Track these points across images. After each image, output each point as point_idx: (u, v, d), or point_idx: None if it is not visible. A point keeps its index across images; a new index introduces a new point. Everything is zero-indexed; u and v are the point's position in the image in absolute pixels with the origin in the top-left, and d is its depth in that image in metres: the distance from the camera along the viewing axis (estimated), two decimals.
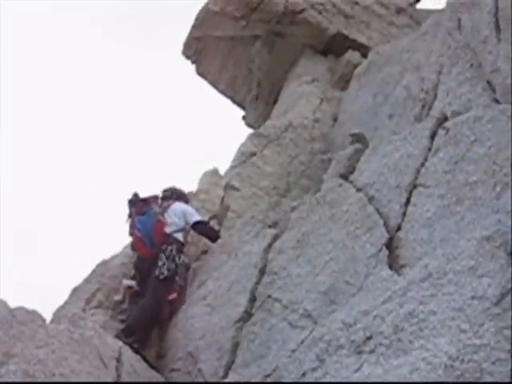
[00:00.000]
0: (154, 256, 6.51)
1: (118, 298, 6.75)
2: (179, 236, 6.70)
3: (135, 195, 7.00)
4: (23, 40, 34.55)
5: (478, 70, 4.45)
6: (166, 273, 6.36)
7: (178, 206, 6.92)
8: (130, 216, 6.97)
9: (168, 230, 6.69)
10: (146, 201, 6.93)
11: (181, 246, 6.64)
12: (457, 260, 3.36)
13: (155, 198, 7.02)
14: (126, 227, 6.95)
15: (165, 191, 7.13)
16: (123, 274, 6.95)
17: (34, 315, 4.58)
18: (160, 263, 6.40)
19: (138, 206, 6.89)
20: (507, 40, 4.13)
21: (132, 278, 6.75)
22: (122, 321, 6.47)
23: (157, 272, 6.37)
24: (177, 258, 6.48)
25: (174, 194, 7.05)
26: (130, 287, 6.63)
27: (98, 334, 5.23)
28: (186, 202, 7.08)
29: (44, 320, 4.73)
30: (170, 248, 6.50)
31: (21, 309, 4.54)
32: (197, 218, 6.82)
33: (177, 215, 6.80)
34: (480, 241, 3.33)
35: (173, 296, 6.32)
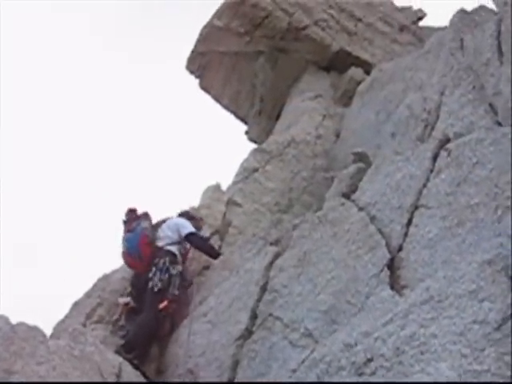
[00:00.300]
0: (148, 269, 6.53)
1: (115, 317, 6.76)
2: (173, 248, 6.70)
3: (129, 211, 7.00)
4: (24, 49, 34.71)
5: (481, 92, 4.48)
6: (159, 284, 6.38)
7: (172, 221, 6.98)
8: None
9: (160, 243, 6.71)
10: (136, 216, 6.94)
11: (174, 258, 6.64)
12: (458, 283, 3.37)
13: (146, 214, 7.01)
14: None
15: (179, 213, 7.20)
16: (124, 288, 6.96)
17: (35, 331, 4.58)
18: (151, 275, 6.42)
19: (129, 222, 6.91)
20: (509, 63, 4.15)
21: (128, 295, 6.75)
22: (123, 336, 6.47)
23: (150, 284, 6.39)
24: (171, 269, 6.50)
25: (184, 216, 7.09)
26: (126, 304, 6.63)
27: (99, 350, 5.23)
28: (197, 227, 7.04)
29: (45, 336, 4.73)
30: (162, 261, 6.52)
31: (22, 324, 4.54)
32: (189, 229, 6.78)
33: (170, 229, 6.83)
34: (481, 264, 3.33)
35: (163, 304, 6.30)
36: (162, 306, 6.30)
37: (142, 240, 6.69)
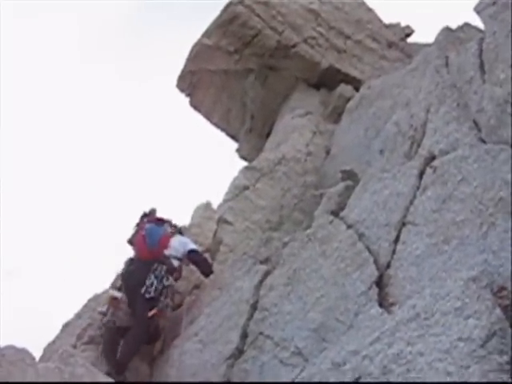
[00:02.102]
0: (149, 258, 6.56)
1: (101, 309, 6.72)
2: (174, 262, 6.77)
3: (153, 210, 7.19)
4: (24, 76, 34.75)
5: (465, 110, 4.52)
6: (152, 293, 6.38)
7: (182, 237, 7.17)
8: (137, 225, 7.08)
9: (167, 252, 6.77)
10: (161, 220, 7.07)
11: (173, 269, 6.71)
12: (444, 300, 3.38)
13: (170, 222, 7.17)
14: (120, 255, 7.01)
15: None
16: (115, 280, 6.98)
17: (23, 354, 4.53)
18: (148, 283, 6.43)
19: (152, 218, 7.03)
20: (491, 81, 4.21)
21: (119, 289, 6.72)
22: (100, 336, 6.46)
23: (143, 290, 6.39)
24: (165, 279, 6.53)
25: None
26: (115, 298, 6.59)
27: (89, 372, 5.18)
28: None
29: (34, 359, 4.68)
30: (159, 268, 6.55)
31: (11, 348, 4.49)
32: (193, 246, 7.00)
33: (180, 243, 6.96)
34: (466, 281, 3.35)
35: (153, 312, 6.31)
36: (150, 313, 6.30)
37: (163, 241, 6.76)
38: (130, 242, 7.04)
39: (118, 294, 6.60)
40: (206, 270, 6.87)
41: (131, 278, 6.61)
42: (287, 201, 8.12)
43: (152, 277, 6.46)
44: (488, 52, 4.38)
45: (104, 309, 6.66)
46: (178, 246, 6.89)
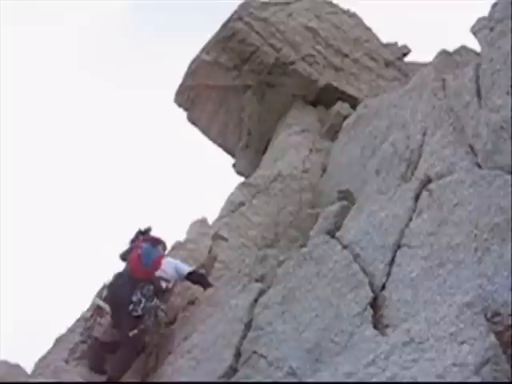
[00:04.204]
0: (141, 277, 6.53)
1: (87, 315, 6.72)
2: (162, 283, 6.77)
3: (149, 228, 7.17)
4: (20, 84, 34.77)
5: (461, 134, 4.57)
6: (139, 311, 6.37)
7: (171, 260, 7.14)
8: (132, 242, 7.05)
9: (157, 273, 6.73)
10: (156, 240, 7.01)
11: (160, 291, 6.70)
12: (438, 325, 3.40)
13: (164, 244, 7.12)
14: (112, 270, 6.98)
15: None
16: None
17: (16, 369, 4.55)
18: (135, 299, 6.41)
19: (149, 238, 6.99)
20: (487, 107, 4.25)
21: (104, 300, 6.70)
22: (82, 342, 6.44)
23: (131, 307, 6.37)
24: (150, 299, 6.51)
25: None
26: (99, 308, 6.57)
27: None
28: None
29: (26, 374, 4.69)
30: (147, 287, 6.53)
31: (4, 363, 4.51)
32: (188, 268, 6.99)
33: (170, 266, 6.93)
34: (461, 307, 3.38)
35: (133, 332, 6.29)
36: (131, 333, 6.28)
37: (157, 262, 6.71)
38: (123, 257, 7.01)
39: (104, 305, 6.59)
40: (205, 284, 6.87)
41: (117, 292, 6.59)
42: (283, 218, 8.12)
43: (139, 294, 6.44)
44: (485, 78, 4.43)
45: (88, 315, 6.68)
46: (168, 268, 6.85)
